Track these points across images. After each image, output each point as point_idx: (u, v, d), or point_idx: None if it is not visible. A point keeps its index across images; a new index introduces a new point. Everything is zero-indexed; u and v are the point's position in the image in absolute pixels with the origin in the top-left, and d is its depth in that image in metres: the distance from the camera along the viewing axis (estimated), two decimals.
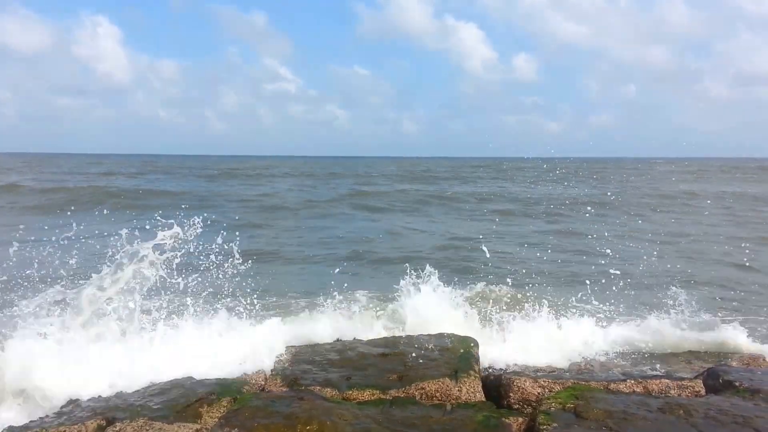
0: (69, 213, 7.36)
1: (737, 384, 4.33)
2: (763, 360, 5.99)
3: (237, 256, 6.32)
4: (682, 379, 4.53)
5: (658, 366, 5.66)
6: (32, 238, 8.16)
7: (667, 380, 4.43)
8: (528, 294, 8.49)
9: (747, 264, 11.67)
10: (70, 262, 6.21)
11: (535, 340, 6.03)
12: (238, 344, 5.21)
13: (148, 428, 3.62)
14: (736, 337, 6.71)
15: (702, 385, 4.41)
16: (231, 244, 6.36)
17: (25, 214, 20.60)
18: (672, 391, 4.26)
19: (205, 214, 6.11)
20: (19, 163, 63.88)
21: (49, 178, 37.57)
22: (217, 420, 3.71)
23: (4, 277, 6.94)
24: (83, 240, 9.29)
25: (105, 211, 16.43)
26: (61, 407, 4.10)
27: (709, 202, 24.90)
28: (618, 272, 8.13)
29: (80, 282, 5.40)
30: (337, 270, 10.15)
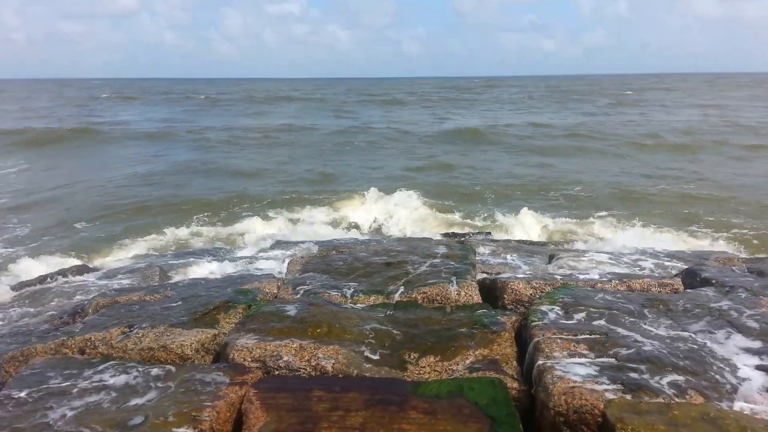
0: None
1: (714, 282, 4.66)
2: (738, 260, 6.39)
3: None
4: (663, 277, 4.86)
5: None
6: None
7: (648, 279, 4.76)
8: None
9: None
10: None
11: None
12: None
13: (168, 333, 3.88)
14: None
15: (681, 283, 4.74)
16: None
17: None
18: (653, 289, 4.59)
19: None
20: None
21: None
22: (233, 325, 3.98)
23: None
24: None
25: None
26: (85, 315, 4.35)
27: None
28: None
29: None
30: None
